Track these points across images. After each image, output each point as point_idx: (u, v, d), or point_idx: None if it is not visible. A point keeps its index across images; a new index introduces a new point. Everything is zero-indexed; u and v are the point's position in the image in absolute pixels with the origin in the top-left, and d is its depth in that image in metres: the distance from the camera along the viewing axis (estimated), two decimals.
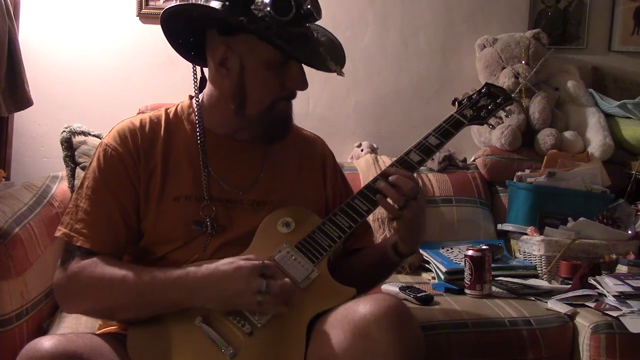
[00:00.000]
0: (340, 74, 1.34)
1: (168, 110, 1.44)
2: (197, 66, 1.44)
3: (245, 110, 1.35)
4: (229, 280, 1.19)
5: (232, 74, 1.33)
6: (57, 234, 1.31)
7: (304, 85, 1.35)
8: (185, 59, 1.45)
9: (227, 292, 1.19)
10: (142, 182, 1.33)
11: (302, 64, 1.33)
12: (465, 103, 1.57)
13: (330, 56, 1.34)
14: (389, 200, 1.35)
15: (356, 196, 1.40)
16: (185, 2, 1.36)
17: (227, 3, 1.28)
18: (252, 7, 1.26)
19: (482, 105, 1.56)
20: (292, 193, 1.43)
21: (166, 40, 1.41)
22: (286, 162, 1.47)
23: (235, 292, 1.18)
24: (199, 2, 1.34)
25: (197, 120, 1.40)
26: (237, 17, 1.26)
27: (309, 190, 1.47)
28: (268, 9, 1.25)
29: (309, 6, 1.29)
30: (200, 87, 1.44)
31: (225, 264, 1.21)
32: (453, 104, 1.58)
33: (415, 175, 1.40)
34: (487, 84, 1.61)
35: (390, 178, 1.35)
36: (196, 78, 1.44)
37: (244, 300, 1.19)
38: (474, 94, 1.59)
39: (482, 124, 1.57)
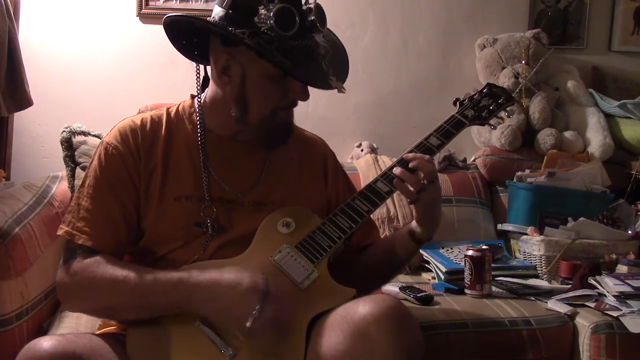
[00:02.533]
0: (341, 90, 1.33)
1: (169, 110, 1.43)
2: (200, 65, 1.44)
3: (247, 117, 1.35)
4: (228, 293, 1.18)
5: (234, 82, 1.33)
6: (59, 232, 1.31)
7: (305, 96, 1.34)
8: (189, 58, 1.45)
9: (223, 303, 1.18)
10: (143, 181, 1.33)
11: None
12: (467, 103, 1.56)
13: (333, 69, 1.32)
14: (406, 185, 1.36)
15: (356, 196, 1.40)
16: (186, 15, 1.35)
17: (230, 12, 1.27)
18: (255, 19, 1.25)
19: (483, 106, 1.56)
20: (293, 194, 1.43)
21: (166, 40, 1.40)
22: (287, 163, 1.47)
23: (230, 305, 1.17)
24: (202, 10, 1.33)
25: (198, 120, 1.40)
26: (238, 29, 1.25)
27: (310, 191, 1.47)
28: (271, 22, 1.24)
29: (312, 18, 1.28)
30: (203, 86, 1.44)
31: (228, 273, 1.20)
32: (454, 104, 1.58)
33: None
34: (488, 84, 1.61)
35: (410, 164, 1.36)
36: (199, 77, 1.43)
37: (236, 315, 1.17)
38: (475, 94, 1.59)
39: (483, 125, 1.57)
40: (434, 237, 1.40)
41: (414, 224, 1.44)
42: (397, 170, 1.37)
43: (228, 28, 1.26)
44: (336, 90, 1.31)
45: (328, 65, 1.32)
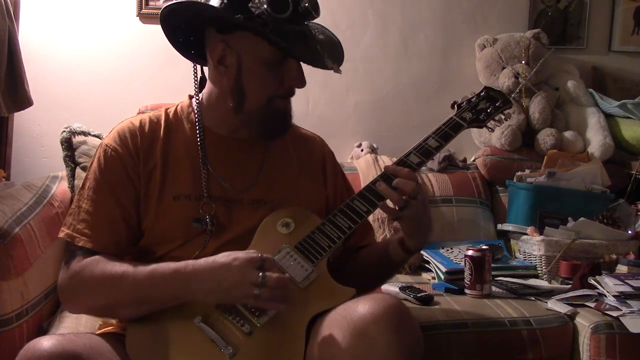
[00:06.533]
0: (338, 71, 1.35)
1: (168, 110, 1.44)
2: (197, 65, 1.45)
3: (244, 107, 1.35)
4: (226, 271, 1.19)
5: (230, 71, 1.34)
6: (60, 234, 1.32)
7: (302, 83, 1.35)
8: (186, 57, 1.45)
9: (224, 283, 1.19)
10: (143, 182, 1.34)
11: (300, 62, 1.34)
12: (464, 106, 1.57)
13: (328, 54, 1.34)
14: (388, 202, 1.36)
15: (356, 197, 1.40)
16: (183, 1, 1.36)
17: (225, 0, 1.28)
18: (250, 4, 1.27)
19: (481, 109, 1.56)
20: (292, 192, 1.44)
21: (166, 40, 1.41)
22: (286, 161, 1.47)
23: (232, 283, 1.18)
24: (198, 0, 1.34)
25: (196, 119, 1.40)
26: (234, 14, 1.26)
27: (308, 189, 1.48)
28: (265, 6, 1.26)
29: (306, 4, 1.30)
30: (201, 87, 1.44)
31: (223, 256, 1.22)
32: (452, 107, 1.59)
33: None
34: (485, 88, 1.62)
35: (393, 183, 1.35)
36: (196, 77, 1.44)
37: (241, 292, 1.18)
38: (472, 97, 1.60)
39: (481, 127, 1.58)
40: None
41: (403, 234, 1.43)
42: (380, 187, 1.35)
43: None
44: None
45: (323, 49, 1.33)
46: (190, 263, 1.23)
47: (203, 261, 1.22)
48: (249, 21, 1.26)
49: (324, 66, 1.32)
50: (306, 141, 1.55)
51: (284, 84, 1.35)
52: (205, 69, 1.44)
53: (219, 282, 1.19)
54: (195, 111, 1.41)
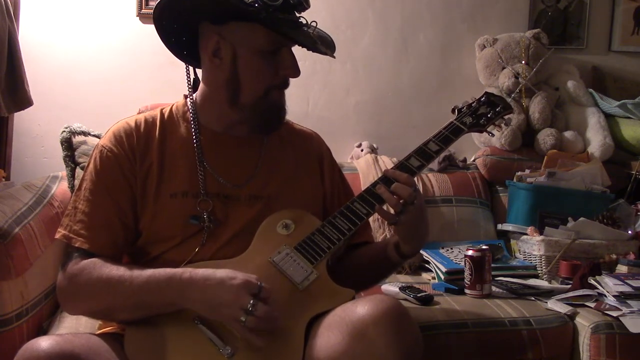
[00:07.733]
0: (332, 56, 1.36)
1: (163, 110, 1.45)
2: (190, 67, 1.46)
3: (239, 100, 1.36)
4: (220, 288, 1.18)
5: (225, 63, 1.34)
6: (57, 235, 1.32)
7: (296, 71, 1.36)
8: (179, 58, 1.46)
9: (215, 300, 1.18)
10: (139, 182, 1.34)
11: (294, 53, 1.35)
12: (465, 111, 1.58)
13: (320, 42, 1.35)
14: (385, 206, 1.36)
15: (356, 199, 1.40)
16: None
17: None
18: None
19: (481, 113, 1.57)
20: (289, 187, 1.44)
21: None
22: (282, 157, 1.47)
23: (222, 302, 1.17)
24: None
25: (192, 117, 1.41)
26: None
27: (305, 185, 1.48)
28: None
29: None
30: (194, 89, 1.45)
31: (223, 271, 1.21)
32: (453, 111, 1.60)
33: (414, 179, 1.40)
34: (486, 93, 1.63)
35: (391, 187, 1.35)
36: (189, 77, 1.45)
37: (228, 313, 1.17)
38: (473, 102, 1.61)
39: (481, 132, 1.58)
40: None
41: (398, 238, 1.43)
42: (378, 190, 1.36)
43: None
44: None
45: (316, 38, 1.35)
46: (187, 271, 1.22)
47: (202, 271, 1.21)
48: (244, 9, 1.26)
49: (318, 51, 1.34)
50: (303, 137, 1.55)
51: (278, 74, 1.36)
52: (199, 71, 1.44)
53: (211, 297, 1.18)
54: (190, 109, 1.42)
